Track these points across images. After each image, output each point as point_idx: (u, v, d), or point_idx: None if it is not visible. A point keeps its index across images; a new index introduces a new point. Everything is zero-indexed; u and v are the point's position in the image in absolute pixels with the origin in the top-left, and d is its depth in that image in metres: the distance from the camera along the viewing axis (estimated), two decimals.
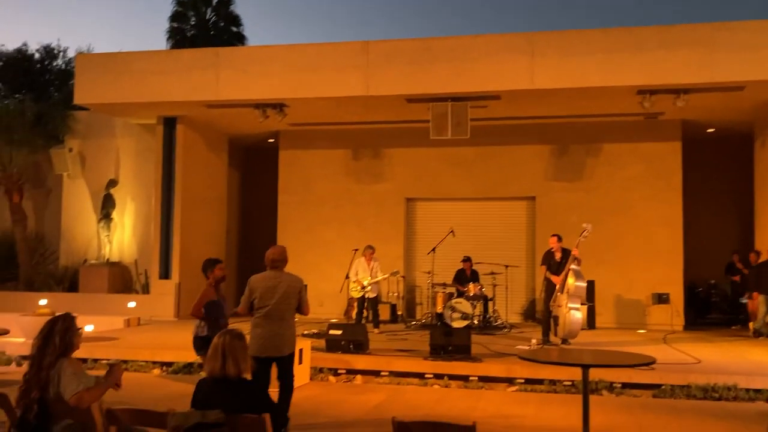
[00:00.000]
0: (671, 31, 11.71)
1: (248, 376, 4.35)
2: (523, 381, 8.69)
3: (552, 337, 10.59)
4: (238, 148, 17.16)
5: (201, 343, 7.06)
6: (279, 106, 13.14)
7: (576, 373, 7.65)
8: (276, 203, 15.83)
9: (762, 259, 12.59)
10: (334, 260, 14.24)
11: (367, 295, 12.23)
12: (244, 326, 5.68)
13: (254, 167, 17.52)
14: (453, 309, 12.38)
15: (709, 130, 14.79)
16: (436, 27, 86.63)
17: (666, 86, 11.65)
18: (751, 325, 12.64)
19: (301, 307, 6.36)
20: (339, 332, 9.81)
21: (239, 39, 27.36)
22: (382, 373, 9.17)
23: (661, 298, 13.86)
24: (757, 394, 8.07)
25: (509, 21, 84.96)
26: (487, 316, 13.08)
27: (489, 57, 12.16)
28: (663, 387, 8.29)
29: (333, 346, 9.73)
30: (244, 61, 13.25)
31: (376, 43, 12.73)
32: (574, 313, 10.04)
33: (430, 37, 12.99)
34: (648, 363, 4.57)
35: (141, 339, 11.37)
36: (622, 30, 11.94)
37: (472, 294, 12.75)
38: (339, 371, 9.30)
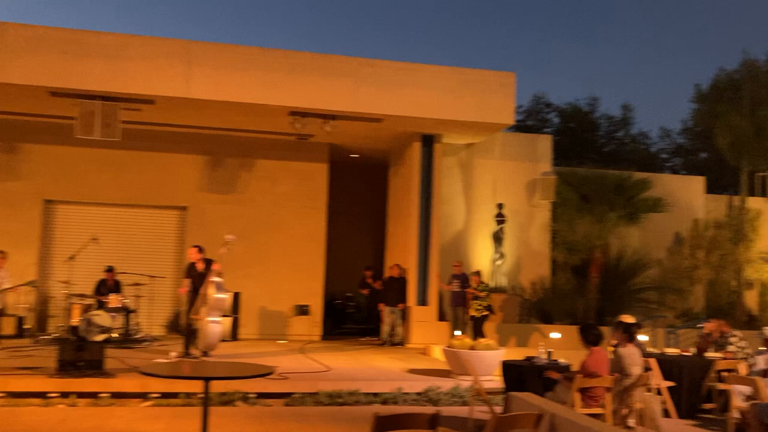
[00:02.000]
0: (323, 60, 12.55)
1: None
2: (158, 395, 8.42)
3: (193, 350, 10.48)
4: None
5: None
6: None
7: (213, 386, 7.68)
8: None
9: (392, 274, 14.05)
10: None
11: None
12: None
13: None
14: (90, 322, 11.54)
15: (353, 156, 16.12)
16: (84, 19, 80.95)
17: (316, 111, 12.43)
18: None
19: None
20: None
21: None
22: None
23: (302, 310, 14.66)
24: (375, 397, 8.91)
25: (164, 26, 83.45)
26: (129, 328, 12.47)
27: (145, 59, 11.73)
28: (294, 395, 8.71)
29: None
30: None
31: (16, 26, 11.48)
32: (212, 326, 10.09)
33: (81, 29, 12.09)
34: (266, 373, 4.76)
35: None
36: (280, 52, 12.46)
37: (113, 306, 12.06)
38: None
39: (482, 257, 15.11)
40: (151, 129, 13.96)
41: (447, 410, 8.42)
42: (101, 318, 11.58)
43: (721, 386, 8.39)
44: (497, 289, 14.46)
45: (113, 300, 12.13)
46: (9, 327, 12.25)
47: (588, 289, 15.54)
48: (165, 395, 8.42)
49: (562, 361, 7.91)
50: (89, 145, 13.12)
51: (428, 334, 13.47)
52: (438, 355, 11.55)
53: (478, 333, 12.58)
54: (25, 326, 12.98)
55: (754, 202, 18.36)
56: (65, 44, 11.49)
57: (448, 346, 9.99)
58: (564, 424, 4.55)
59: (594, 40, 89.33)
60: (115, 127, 11.72)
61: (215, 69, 11.93)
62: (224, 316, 12.56)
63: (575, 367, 7.21)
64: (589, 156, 27.72)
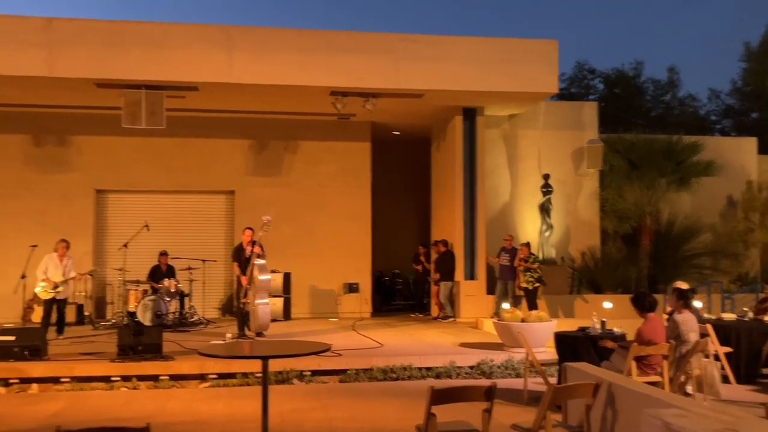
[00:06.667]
0: (361, 38, 12.50)
1: None
2: (215, 376, 8.63)
3: (247, 331, 10.68)
4: None
5: None
6: None
7: (269, 365, 7.82)
8: None
9: (437, 250, 14.05)
10: (9, 257, 12.77)
11: (57, 297, 10.83)
12: None
13: None
14: (146, 307, 11.88)
15: (395, 133, 16.08)
16: (128, 10, 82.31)
17: (356, 89, 12.40)
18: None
19: None
20: (11, 338, 8.81)
21: None
22: (63, 380, 8.46)
23: (352, 288, 14.78)
24: (428, 371, 8.97)
25: (204, 12, 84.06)
26: (184, 312, 12.78)
27: (186, 46, 11.85)
28: (349, 372, 8.82)
29: (4, 353, 8.72)
30: None
31: (62, 21, 11.70)
32: (261, 307, 10.27)
33: (123, 20, 12.27)
34: (323, 350, 4.82)
35: None
36: (317, 32, 12.45)
37: (167, 290, 12.34)
38: (11, 381, 8.39)
39: (530, 229, 14.97)
40: (195, 116, 14.17)
41: (501, 382, 8.40)
42: (157, 303, 11.90)
43: None
44: (546, 261, 14.32)
45: (168, 285, 12.40)
46: (70, 314, 12.61)
47: (639, 258, 15.28)
48: (222, 376, 8.62)
49: (616, 330, 7.81)
50: (136, 134, 13.37)
51: (477, 308, 13.46)
52: (489, 329, 11.54)
53: (530, 305, 12.52)
54: (85, 313, 13.40)
55: None
56: (108, 35, 11.67)
57: (499, 319, 9.97)
58: (622, 392, 4.51)
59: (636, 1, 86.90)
60: (160, 115, 11.89)
61: (255, 52, 11.99)
62: (275, 296, 12.80)
63: (630, 336, 7.13)
64: (636, 121, 27.17)
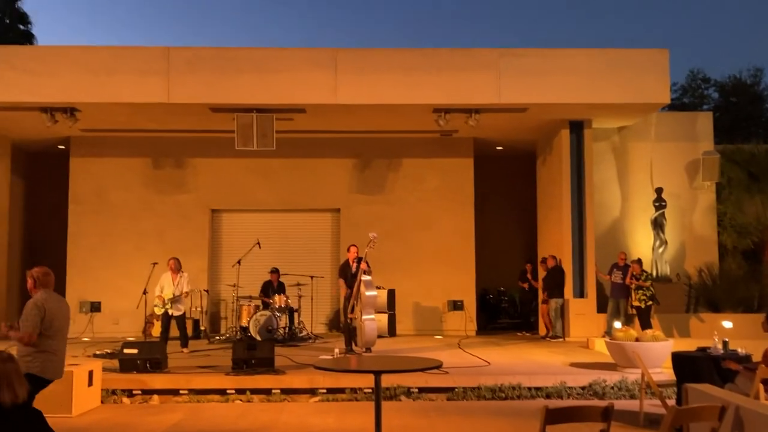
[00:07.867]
0: (463, 54, 12.49)
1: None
2: (325, 391, 8.76)
3: (354, 347, 10.81)
4: (23, 154, 15.64)
5: None
6: (69, 111, 12.28)
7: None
8: (66, 214, 14.72)
9: (547, 266, 13.77)
10: (132, 275, 13.51)
11: (171, 313, 11.30)
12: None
13: (41, 175, 16.04)
14: (258, 322, 12.26)
15: (498, 148, 15.93)
16: (237, 37, 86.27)
17: (459, 106, 12.40)
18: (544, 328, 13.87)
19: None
20: (134, 351, 9.29)
21: (27, 38, 25.32)
22: (182, 392, 8.82)
23: (456, 305, 14.68)
24: (537, 391, 8.77)
25: (312, 35, 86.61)
26: (293, 327, 13.08)
27: (294, 70, 12.22)
28: (456, 390, 8.74)
29: (128, 365, 9.21)
30: (30, 61, 12.19)
31: (178, 50, 12.33)
32: (368, 323, 10.37)
33: (234, 46, 12.82)
34: (435, 366, 4.81)
35: None
36: (419, 51, 12.56)
37: (278, 306, 12.69)
38: (134, 392, 8.82)
39: (642, 245, 14.41)
40: (303, 137, 14.56)
41: (615, 404, 8.12)
42: (268, 318, 12.24)
43: None
44: (660, 278, 13.74)
45: (278, 300, 12.75)
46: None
47: (762, 275, 14.41)
48: (331, 390, 8.74)
49: (740, 350, 7.38)
50: (247, 156, 13.86)
51: (587, 327, 13.06)
52: (601, 348, 11.17)
53: (643, 324, 12.04)
54: (201, 328, 13.97)
55: None
56: (221, 62, 12.22)
57: (612, 339, 9.64)
58: (752, 417, 4.25)
59: (751, 4, 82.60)
60: (270, 137, 12.30)
61: (359, 74, 12.22)
62: (381, 312, 12.90)
63: (756, 358, 6.71)
64: (756, 131, 25.78)
